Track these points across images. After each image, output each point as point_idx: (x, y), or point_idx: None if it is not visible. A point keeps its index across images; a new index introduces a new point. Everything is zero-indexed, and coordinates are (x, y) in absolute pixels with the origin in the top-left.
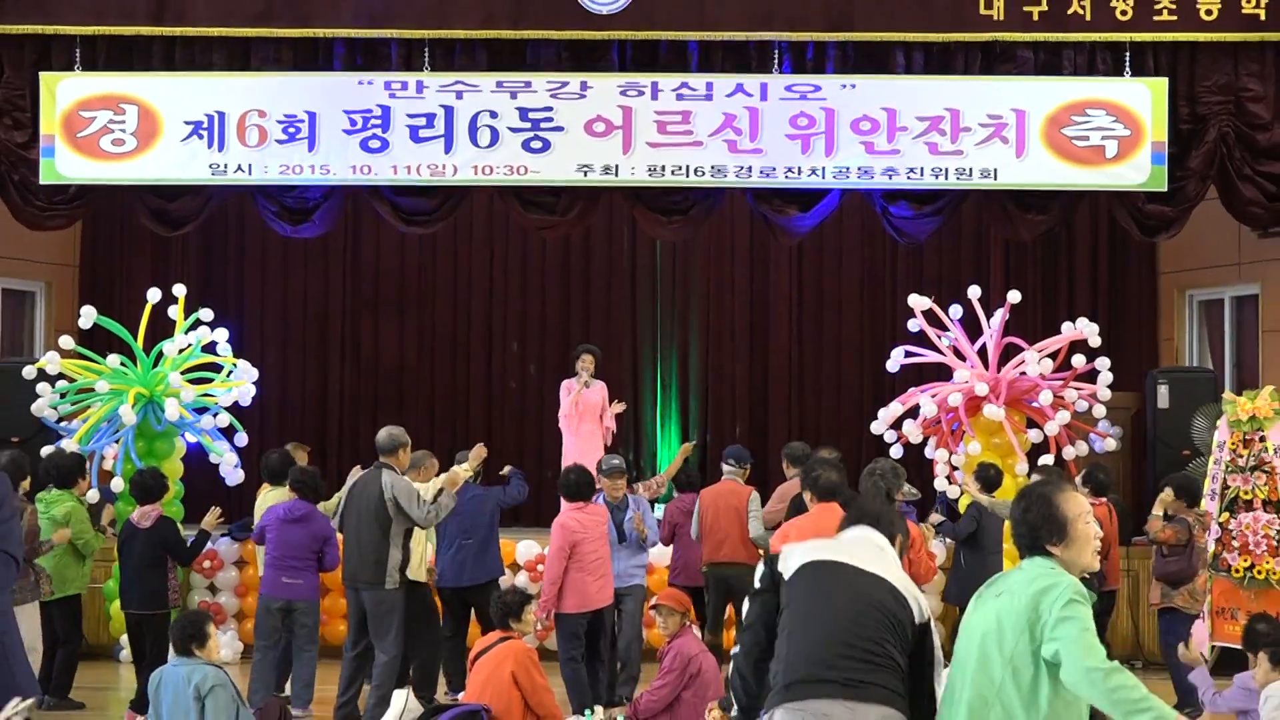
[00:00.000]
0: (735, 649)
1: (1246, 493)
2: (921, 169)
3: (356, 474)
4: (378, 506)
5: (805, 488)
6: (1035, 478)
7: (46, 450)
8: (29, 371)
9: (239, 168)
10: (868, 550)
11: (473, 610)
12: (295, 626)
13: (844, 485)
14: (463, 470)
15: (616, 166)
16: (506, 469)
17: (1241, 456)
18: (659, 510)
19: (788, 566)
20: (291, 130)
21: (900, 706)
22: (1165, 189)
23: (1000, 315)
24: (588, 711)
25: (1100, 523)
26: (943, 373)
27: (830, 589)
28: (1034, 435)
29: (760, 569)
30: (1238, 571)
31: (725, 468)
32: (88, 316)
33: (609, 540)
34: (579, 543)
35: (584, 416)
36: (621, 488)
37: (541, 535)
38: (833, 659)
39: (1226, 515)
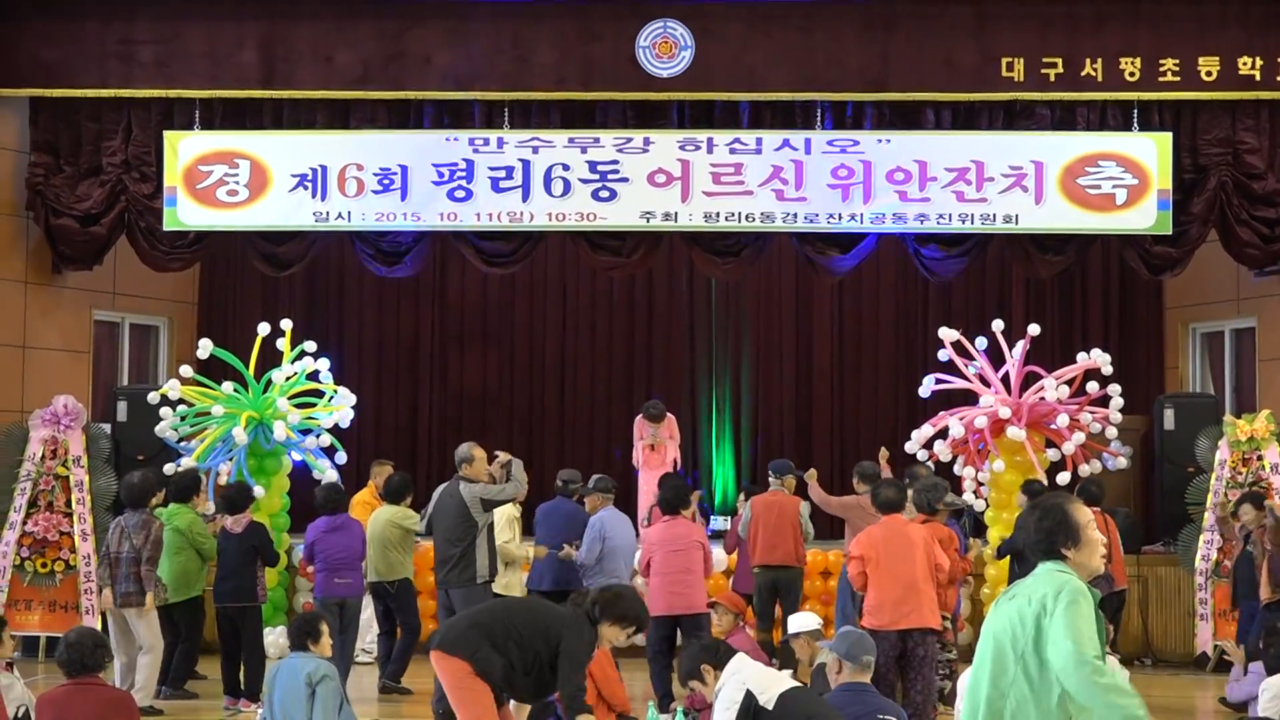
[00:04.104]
0: None
1: None
2: (950, 215)
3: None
4: (459, 513)
5: (872, 502)
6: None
7: (169, 468)
8: (153, 397)
9: (339, 215)
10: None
11: None
12: (344, 621)
13: (902, 500)
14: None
15: (676, 213)
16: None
17: (1241, 474)
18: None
19: (767, 699)
20: (386, 182)
21: None
22: (1170, 232)
23: (1021, 346)
24: (650, 704)
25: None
26: (969, 398)
27: (816, 706)
28: (1052, 454)
29: (739, 705)
30: None
31: (770, 481)
32: (205, 348)
33: (696, 552)
34: (655, 554)
35: (654, 451)
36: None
37: None
38: None
39: None
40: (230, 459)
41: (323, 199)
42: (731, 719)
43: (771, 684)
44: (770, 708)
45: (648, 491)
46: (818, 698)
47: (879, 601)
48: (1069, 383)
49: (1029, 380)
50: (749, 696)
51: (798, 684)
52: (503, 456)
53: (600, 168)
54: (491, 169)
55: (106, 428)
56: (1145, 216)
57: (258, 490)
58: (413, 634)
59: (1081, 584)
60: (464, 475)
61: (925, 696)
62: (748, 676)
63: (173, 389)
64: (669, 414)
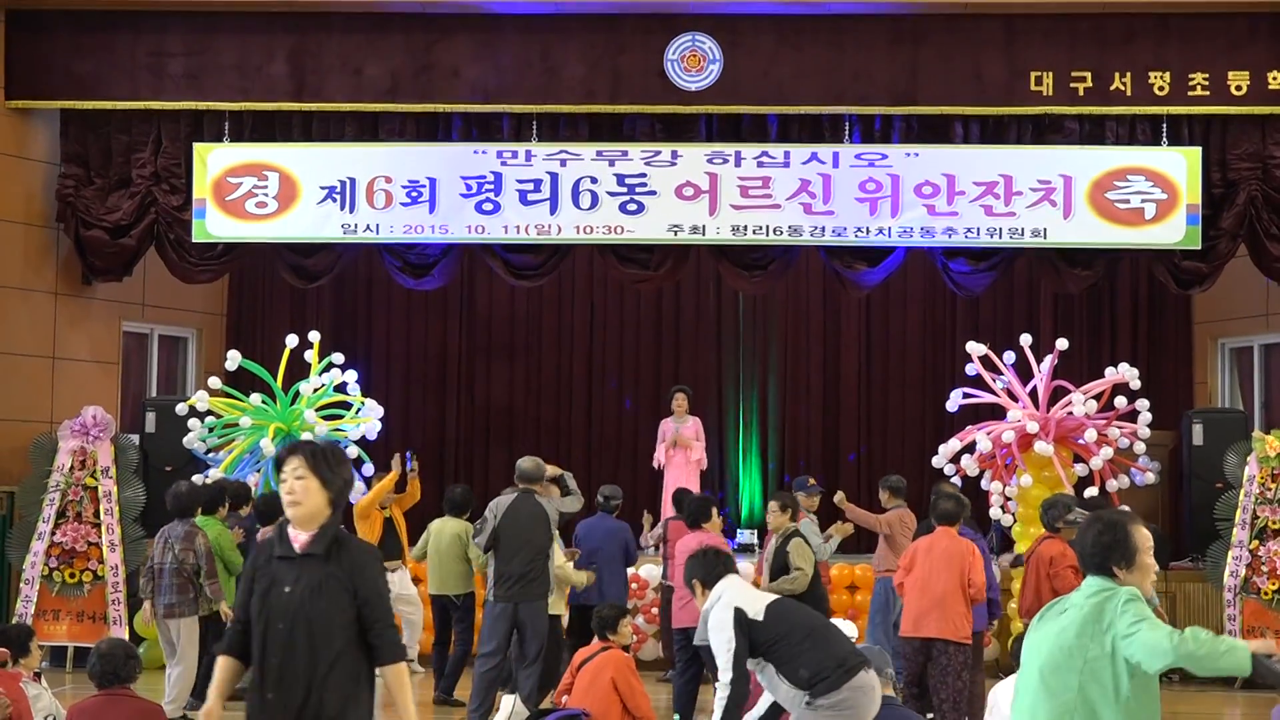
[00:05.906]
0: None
1: (1275, 522)
2: (978, 229)
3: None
4: (545, 529)
5: (931, 513)
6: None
7: (196, 479)
8: (181, 408)
9: (367, 227)
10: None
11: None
12: None
13: (959, 513)
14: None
15: (704, 227)
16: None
17: (1270, 489)
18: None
19: (756, 610)
20: (414, 194)
21: None
22: (1199, 247)
23: (1050, 360)
24: (676, 718)
25: None
26: (997, 412)
27: (804, 612)
28: (1080, 469)
29: (731, 624)
30: (1267, 594)
31: None
32: (233, 359)
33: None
34: (679, 565)
35: (679, 450)
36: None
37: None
38: (845, 651)
39: (1256, 543)
40: (258, 470)
41: (351, 211)
42: (727, 640)
43: (757, 598)
44: (761, 619)
45: (671, 487)
46: (802, 605)
47: (907, 609)
48: (1097, 397)
49: (1057, 395)
50: (738, 613)
51: (780, 596)
52: (550, 470)
53: (628, 181)
54: (519, 182)
55: (135, 439)
56: (1174, 231)
57: None
58: (467, 648)
59: (1131, 589)
60: (531, 489)
61: (951, 705)
62: (733, 596)
63: (201, 400)
64: (694, 417)
